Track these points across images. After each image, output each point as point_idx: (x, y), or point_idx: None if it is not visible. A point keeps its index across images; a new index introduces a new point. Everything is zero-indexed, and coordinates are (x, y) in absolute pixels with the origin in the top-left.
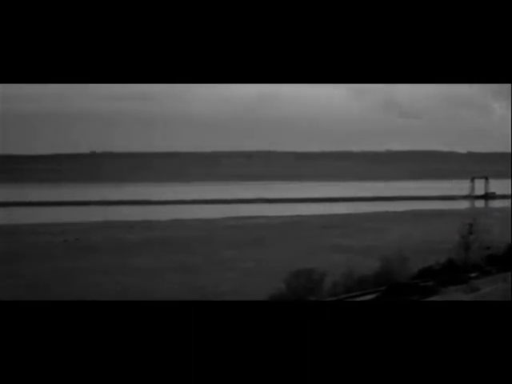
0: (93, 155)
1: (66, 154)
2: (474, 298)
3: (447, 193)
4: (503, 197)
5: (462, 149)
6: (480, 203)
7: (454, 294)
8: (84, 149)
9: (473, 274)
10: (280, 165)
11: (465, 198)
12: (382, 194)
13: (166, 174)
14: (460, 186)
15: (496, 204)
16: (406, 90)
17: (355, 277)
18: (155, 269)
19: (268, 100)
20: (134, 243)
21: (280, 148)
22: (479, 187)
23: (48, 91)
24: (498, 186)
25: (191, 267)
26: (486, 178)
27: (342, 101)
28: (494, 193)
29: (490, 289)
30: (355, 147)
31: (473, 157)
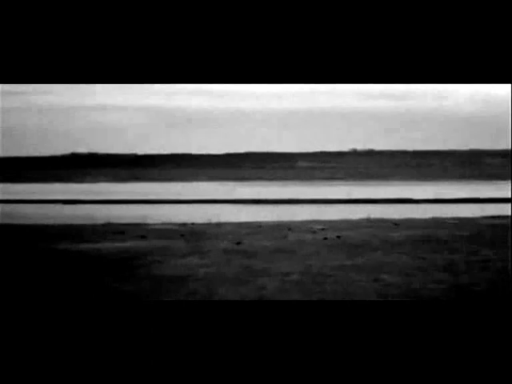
0: (354, 153)
1: (329, 152)
2: None
3: None
4: None
5: None
6: None
7: None
8: (344, 147)
9: None
10: None
11: None
12: None
13: (423, 172)
14: None
15: None
16: None
17: None
18: (417, 267)
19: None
20: (397, 241)
21: None
22: None
23: (301, 89)
24: None
25: (450, 266)
26: None
27: None
28: None
29: None
30: None
31: None
